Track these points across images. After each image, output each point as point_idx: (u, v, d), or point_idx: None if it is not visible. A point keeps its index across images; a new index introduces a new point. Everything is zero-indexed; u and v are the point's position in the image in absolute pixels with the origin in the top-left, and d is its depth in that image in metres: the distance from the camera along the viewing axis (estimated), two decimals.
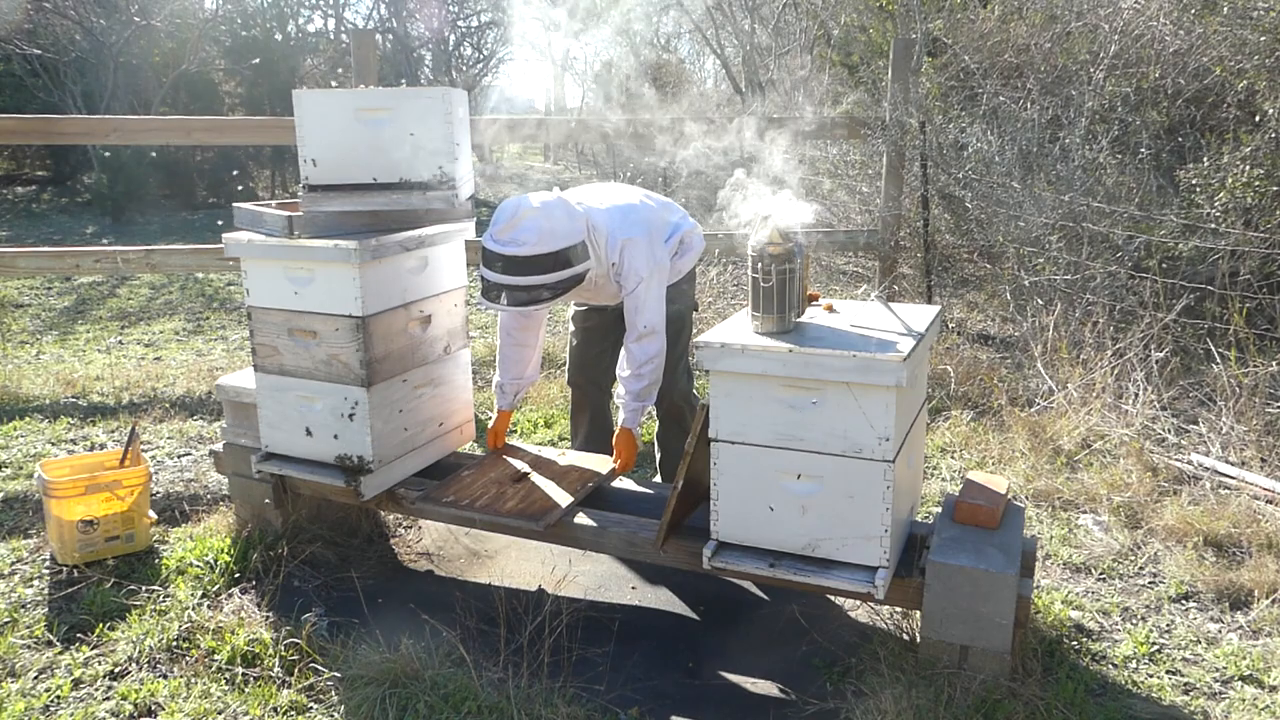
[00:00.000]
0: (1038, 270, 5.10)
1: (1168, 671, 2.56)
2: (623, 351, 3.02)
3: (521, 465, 3.08)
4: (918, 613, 2.45)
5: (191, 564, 3.02)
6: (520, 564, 3.22)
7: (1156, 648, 2.67)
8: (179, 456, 4.10)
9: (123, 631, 2.73)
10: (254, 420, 3.06)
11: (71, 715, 2.40)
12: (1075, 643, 2.68)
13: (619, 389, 3.04)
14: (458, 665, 2.47)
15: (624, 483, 3.12)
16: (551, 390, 4.80)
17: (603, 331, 3.33)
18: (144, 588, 2.92)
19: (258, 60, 13.07)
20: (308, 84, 13.55)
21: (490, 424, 3.26)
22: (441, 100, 2.81)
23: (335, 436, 2.88)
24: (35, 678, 2.55)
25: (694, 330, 3.41)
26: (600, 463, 3.09)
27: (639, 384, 2.97)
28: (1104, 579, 3.05)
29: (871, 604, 2.65)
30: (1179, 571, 3.03)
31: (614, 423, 3.58)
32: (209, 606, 2.81)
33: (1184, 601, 2.91)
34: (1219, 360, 4.14)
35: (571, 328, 3.40)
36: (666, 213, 3.12)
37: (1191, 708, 2.42)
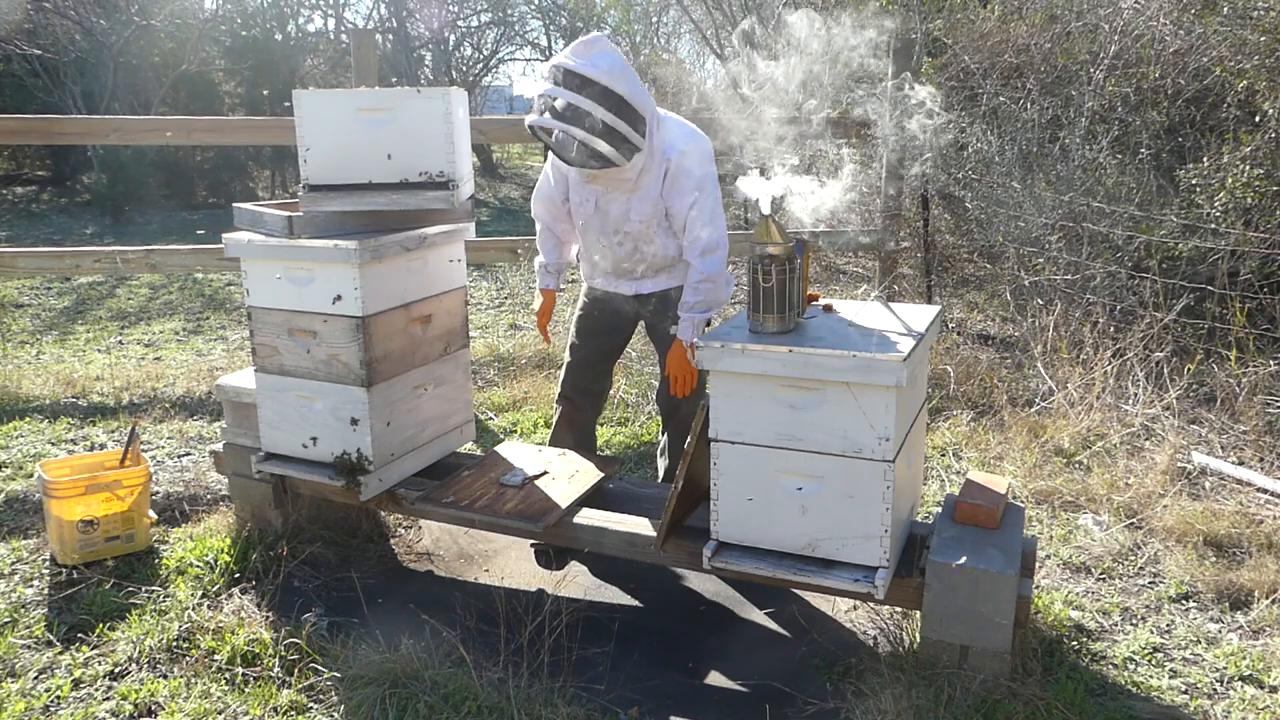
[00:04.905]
0: (1038, 270, 5.11)
1: (1168, 672, 2.56)
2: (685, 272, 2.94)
3: (522, 465, 3.08)
4: (918, 613, 2.45)
5: (191, 564, 3.02)
6: (520, 564, 3.22)
7: (1156, 648, 2.67)
8: (179, 456, 4.10)
9: (123, 631, 2.73)
10: (254, 420, 3.06)
11: (71, 715, 2.40)
12: (1075, 643, 2.68)
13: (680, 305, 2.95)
14: (458, 665, 2.48)
15: (624, 483, 3.12)
16: (551, 390, 4.79)
17: (605, 344, 3.24)
18: (144, 588, 2.92)
19: (256, 60, 13.07)
20: (308, 84, 13.56)
21: (536, 307, 3.26)
22: (441, 100, 2.81)
23: (335, 437, 2.88)
24: (35, 678, 2.55)
25: None
26: (600, 463, 3.09)
27: (695, 297, 2.89)
28: (1104, 579, 3.05)
29: (871, 604, 2.65)
30: (1179, 571, 3.03)
31: (597, 441, 3.52)
32: (209, 606, 2.80)
33: (1184, 601, 2.91)
34: (1219, 360, 4.14)
35: (572, 338, 3.27)
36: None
37: (1191, 708, 2.42)
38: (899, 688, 2.29)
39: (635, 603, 2.99)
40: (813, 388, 2.24)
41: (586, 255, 3.15)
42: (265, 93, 12.78)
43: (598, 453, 3.46)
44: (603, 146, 2.66)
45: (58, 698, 2.47)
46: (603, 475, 3.00)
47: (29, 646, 2.69)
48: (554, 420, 3.37)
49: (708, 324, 2.99)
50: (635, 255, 3.01)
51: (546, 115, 2.70)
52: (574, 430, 3.34)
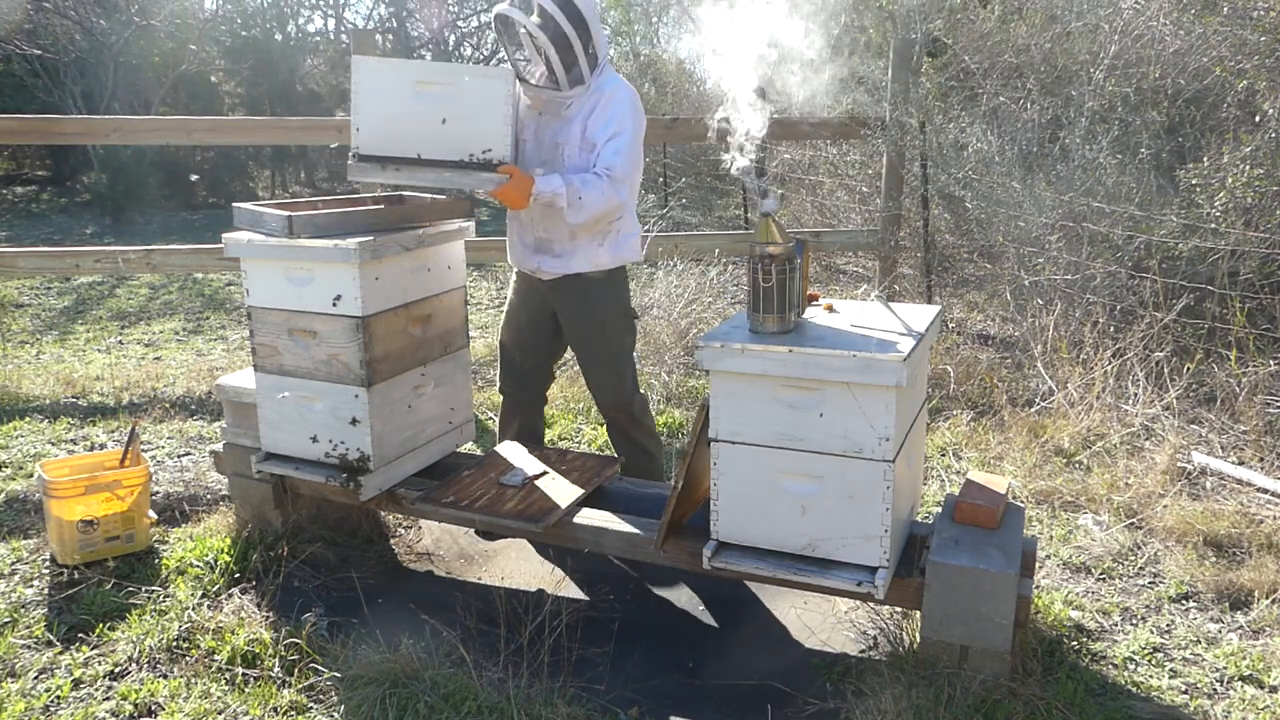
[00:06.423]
0: (1038, 270, 5.10)
1: (1168, 672, 2.56)
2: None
3: (522, 465, 3.08)
4: (918, 613, 2.45)
5: (191, 564, 3.02)
6: (520, 564, 3.22)
7: (1156, 648, 2.67)
8: (179, 456, 4.10)
9: (123, 631, 2.73)
10: (254, 420, 3.06)
11: (71, 715, 2.40)
12: (1075, 643, 2.68)
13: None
14: (458, 665, 2.48)
15: (624, 483, 3.12)
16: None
17: (528, 341, 3.27)
18: (144, 588, 2.92)
19: (256, 60, 13.07)
20: (308, 84, 13.57)
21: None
22: (503, 81, 2.77)
23: (335, 437, 2.88)
24: (35, 678, 2.55)
25: (637, 336, 3.34)
26: (601, 463, 3.09)
27: (574, 183, 2.85)
28: (1104, 579, 3.05)
29: (871, 604, 2.65)
30: (1179, 571, 3.03)
31: (543, 434, 3.58)
32: (209, 606, 2.80)
33: (1184, 601, 2.91)
34: (1219, 360, 4.14)
35: (506, 336, 3.31)
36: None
37: (1191, 708, 2.42)
38: (899, 688, 2.29)
39: (635, 603, 2.99)
40: (813, 388, 2.24)
41: (514, 221, 3.14)
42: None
43: (598, 451, 3.48)
44: (559, 70, 2.83)
45: (58, 698, 2.47)
46: (603, 475, 3.00)
47: (29, 646, 2.69)
48: (501, 411, 3.45)
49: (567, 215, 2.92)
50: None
51: (519, 10, 2.81)
52: (517, 420, 3.41)
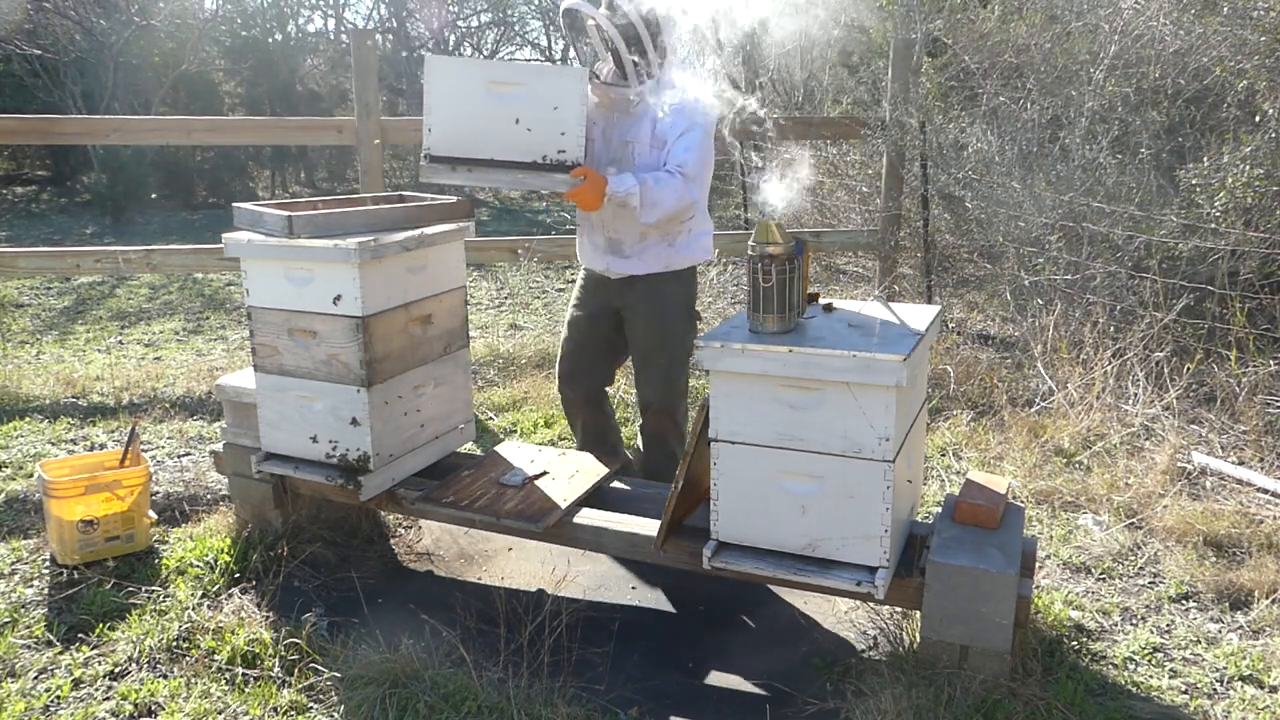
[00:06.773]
0: (1038, 270, 5.10)
1: (1168, 672, 2.56)
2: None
3: (521, 465, 3.08)
4: (918, 613, 2.45)
5: (191, 564, 3.03)
6: (520, 564, 3.22)
7: (1156, 648, 2.67)
8: (179, 456, 4.10)
9: (123, 631, 2.73)
10: (254, 420, 3.06)
11: (71, 715, 2.40)
12: (1075, 643, 2.68)
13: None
14: (458, 665, 2.48)
15: (624, 483, 3.12)
16: (551, 390, 4.79)
17: (588, 339, 3.24)
18: (144, 588, 2.92)
19: (256, 60, 13.07)
20: (308, 84, 13.57)
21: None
22: (578, 80, 2.73)
23: (335, 437, 2.88)
24: (35, 678, 2.55)
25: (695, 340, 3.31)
26: (601, 464, 3.09)
27: (648, 181, 2.79)
28: (1104, 579, 3.05)
29: (871, 604, 2.65)
30: (1179, 571, 3.03)
31: (609, 430, 3.48)
32: (209, 606, 2.80)
33: (1184, 601, 2.92)
34: (1219, 360, 4.14)
35: (565, 332, 3.30)
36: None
37: (1191, 708, 2.42)
38: (899, 688, 2.29)
39: (635, 603, 2.99)
40: (813, 388, 2.24)
41: (584, 221, 3.14)
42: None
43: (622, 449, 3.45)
44: (628, 65, 2.78)
45: (58, 698, 2.47)
46: (603, 475, 3.00)
47: (29, 646, 2.69)
48: (564, 409, 3.43)
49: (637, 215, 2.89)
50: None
51: (587, 3, 2.78)
52: (579, 419, 3.37)
